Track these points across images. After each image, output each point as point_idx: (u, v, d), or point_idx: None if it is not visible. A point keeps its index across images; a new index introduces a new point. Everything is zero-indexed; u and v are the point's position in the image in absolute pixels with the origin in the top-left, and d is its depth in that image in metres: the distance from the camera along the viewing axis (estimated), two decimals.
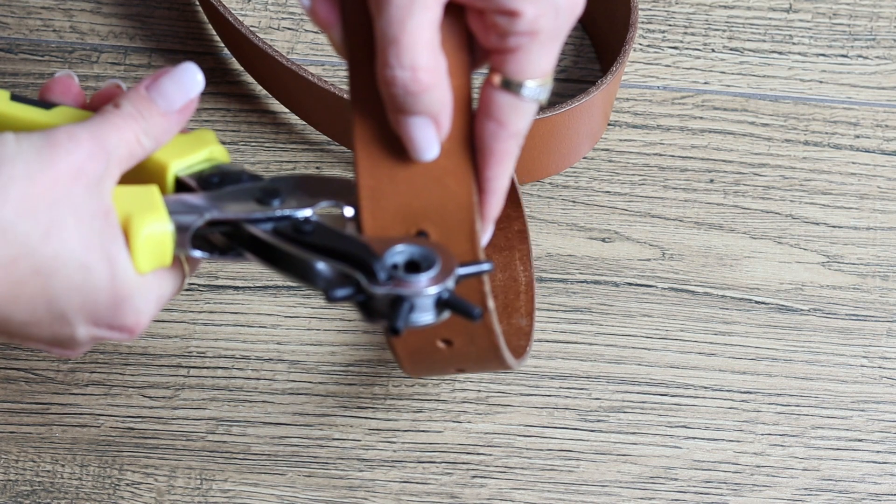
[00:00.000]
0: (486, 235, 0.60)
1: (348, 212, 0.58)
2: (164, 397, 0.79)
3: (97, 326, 0.58)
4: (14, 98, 0.62)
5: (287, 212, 0.58)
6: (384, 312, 0.56)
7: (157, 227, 0.57)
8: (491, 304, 0.60)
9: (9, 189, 0.54)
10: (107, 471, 0.78)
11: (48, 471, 0.78)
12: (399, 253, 0.57)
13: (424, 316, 0.56)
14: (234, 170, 0.61)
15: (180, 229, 0.58)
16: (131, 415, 0.79)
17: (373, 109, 0.58)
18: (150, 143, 0.59)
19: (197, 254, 0.59)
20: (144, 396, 0.79)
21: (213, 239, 0.60)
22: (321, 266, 0.57)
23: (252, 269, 0.81)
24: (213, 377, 0.79)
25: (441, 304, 0.56)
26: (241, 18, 0.84)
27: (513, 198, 0.75)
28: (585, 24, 0.85)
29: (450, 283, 0.56)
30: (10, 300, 0.56)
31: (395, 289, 0.55)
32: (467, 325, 0.60)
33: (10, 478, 0.78)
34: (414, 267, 0.57)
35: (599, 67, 0.85)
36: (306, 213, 0.58)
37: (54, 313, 0.57)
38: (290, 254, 0.57)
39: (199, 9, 0.86)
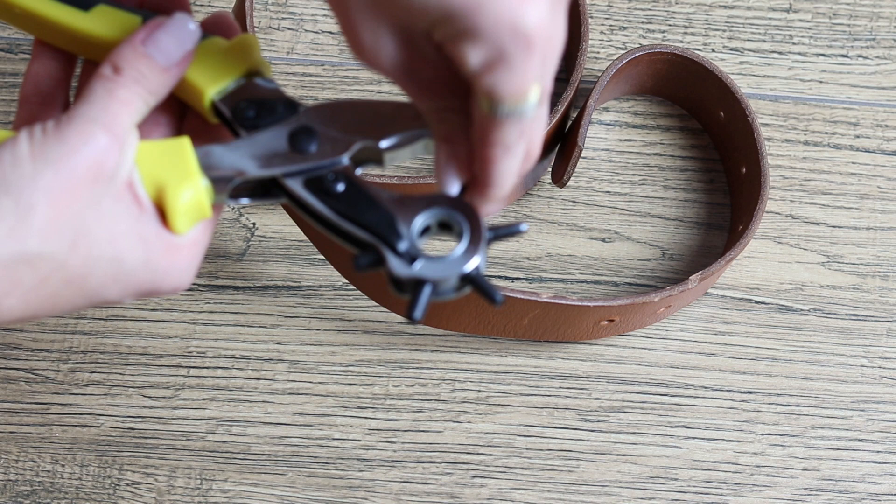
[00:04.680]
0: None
1: (384, 143, 0.57)
2: (164, 397, 0.79)
3: (142, 295, 0.58)
4: None
5: (323, 162, 0.57)
6: (408, 290, 0.55)
7: (192, 193, 0.56)
8: None
9: (31, 217, 0.54)
10: (107, 471, 0.78)
11: (48, 471, 0.78)
12: (426, 218, 0.56)
13: (447, 294, 0.55)
14: (269, 98, 0.59)
15: (216, 182, 0.57)
16: (131, 415, 0.79)
17: None
18: (154, 99, 0.58)
19: (242, 202, 0.58)
20: (144, 396, 0.79)
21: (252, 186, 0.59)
22: (349, 229, 0.56)
23: (252, 269, 0.81)
24: (213, 377, 0.79)
25: (465, 279, 0.55)
26: None
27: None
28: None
29: (477, 259, 0.55)
30: (48, 309, 0.56)
31: (418, 272, 0.54)
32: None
33: (10, 478, 0.78)
34: (445, 226, 0.56)
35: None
36: (340, 164, 0.57)
37: (95, 302, 0.57)
38: (320, 214, 0.56)
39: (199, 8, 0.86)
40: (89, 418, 0.79)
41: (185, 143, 0.57)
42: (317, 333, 0.80)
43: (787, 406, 0.80)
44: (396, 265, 0.55)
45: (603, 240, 0.82)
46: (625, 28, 0.86)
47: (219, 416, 0.79)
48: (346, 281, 0.81)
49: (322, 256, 0.81)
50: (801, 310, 0.81)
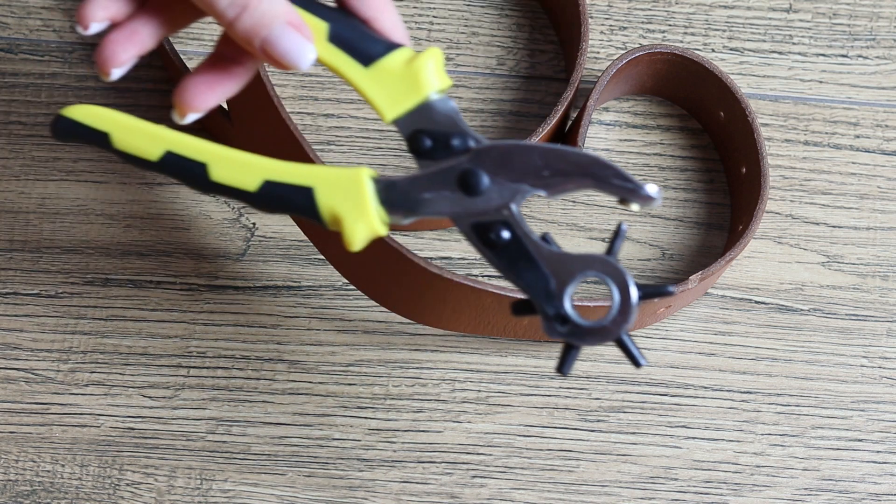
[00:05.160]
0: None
1: (551, 195, 0.60)
2: (164, 397, 0.79)
3: None
4: (333, 38, 0.62)
5: (490, 206, 0.60)
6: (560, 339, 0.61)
7: (366, 228, 0.60)
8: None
9: None
10: (107, 471, 0.78)
11: (48, 471, 0.78)
12: (579, 281, 0.60)
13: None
14: (445, 128, 0.61)
15: (391, 212, 0.60)
16: (131, 415, 0.79)
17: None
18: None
19: (408, 220, 0.62)
20: (144, 396, 0.79)
21: None
22: (509, 280, 0.60)
23: (252, 269, 0.81)
24: (213, 377, 0.79)
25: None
26: None
27: None
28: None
29: (623, 329, 0.59)
30: None
31: (568, 338, 0.60)
32: None
33: (10, 478, 0.78)
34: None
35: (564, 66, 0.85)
36: (507, 209, 0.60)
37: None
38: (487, 258, 0.60)
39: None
40: (89, 418, 0.79)
41: (362, 175, 0.60)
42: (317, 333, 0.80)
43: (787, 406, 0.80)
44: (547, 327, 0.60)
45: (603, 240, 0.82)
46: (625, 28, 0.86)
47: (219, 416, 0.79)
48: (346, 281, 0.81)
49: (322, 256, 0.81)
50: (801, 310, 0.81)
